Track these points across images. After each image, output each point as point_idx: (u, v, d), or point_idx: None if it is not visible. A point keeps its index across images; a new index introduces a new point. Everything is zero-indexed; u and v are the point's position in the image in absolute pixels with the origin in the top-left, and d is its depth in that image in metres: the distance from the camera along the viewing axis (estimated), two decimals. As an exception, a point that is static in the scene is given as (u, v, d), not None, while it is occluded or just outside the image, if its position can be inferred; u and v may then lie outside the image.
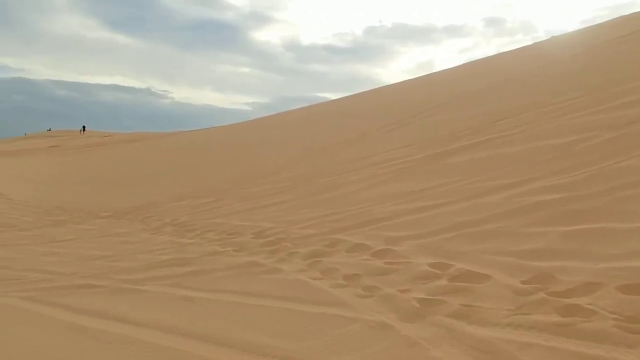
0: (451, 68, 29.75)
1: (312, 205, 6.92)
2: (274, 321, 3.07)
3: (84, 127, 62.93)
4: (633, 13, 19.93)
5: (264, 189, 9.16)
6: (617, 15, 23.69)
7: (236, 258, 4.99)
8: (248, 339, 2.82)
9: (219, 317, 3.28)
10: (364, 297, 3.27)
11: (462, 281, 3.17)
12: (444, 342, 2.45)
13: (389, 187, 6.78)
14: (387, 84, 34.12)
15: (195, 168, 15.71)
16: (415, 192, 6.03)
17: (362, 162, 9.04)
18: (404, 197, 5.95)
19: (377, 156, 9.18)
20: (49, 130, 69.86)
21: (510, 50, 26.69)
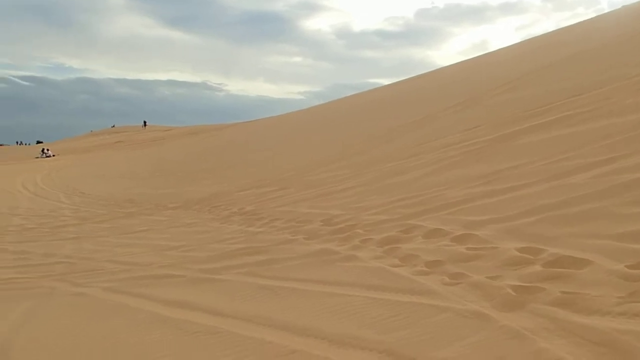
0: (509, 46, 28.58)
1: (381, 191, 6.77)
2: (359, 310, 2.98)
3: (145, 122, 65.16)
4: None
5: (328, 177, 9.08)
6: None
7: (308, 246, 4.94)
8: (336, 329, 2.75)
9: (301, 307, 3.23)
10: (451, 284, 3.12)
11: (560, 267, 2.95)
12: (550, 333, 2.27)
13: (460, 170, 6.53)
14: (441, 67, 33.15)
15: (256, 158, 15.86)
16: (489, 174, 5.77)
17: (428, 146, 8.78)
18: (477, 180, 5.70)
19: (444, 139, 8.90)
20: (113, 126, 72.74)
21: (574, 24, 25.33)
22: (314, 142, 16.21)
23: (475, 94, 12.54)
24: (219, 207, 9.14)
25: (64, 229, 9.45)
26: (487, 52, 31.45)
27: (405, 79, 33.24)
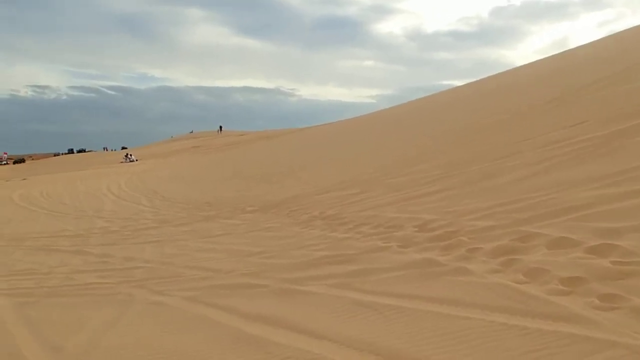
0: (592, 42, 26.48)
1: (477, 194, 6.10)
2: (489, 339, 2.40)
3: (220, 127, 66.89)
4: None
5: (412, 179, 8.47)
6: None
7: (405, 255, 4.38)
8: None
9: (412, 330, 2.70)
10: (605, 309, 2.48)
11: None
12: None
13: (571, 171, 5.74)
14: (521, 65, 31.17)
15: (333, 160, 15.43)
16: (610, 175, 4.97)
17: (524, 145, 7.96)
18: (597, 181, 4.92)
19: (542, 137, 8.05)
20: (191, 132, 75.35)
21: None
22: (391, 143, 15.57)
23: (571, 90, 11.47)
24: (298, 210, 8.76)
25: (144, 232, 9.42)
26: (566, 49, 29.23)
27: (484, 77, 31.63)
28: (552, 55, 28.00)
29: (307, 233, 6.70)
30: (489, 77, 30.18)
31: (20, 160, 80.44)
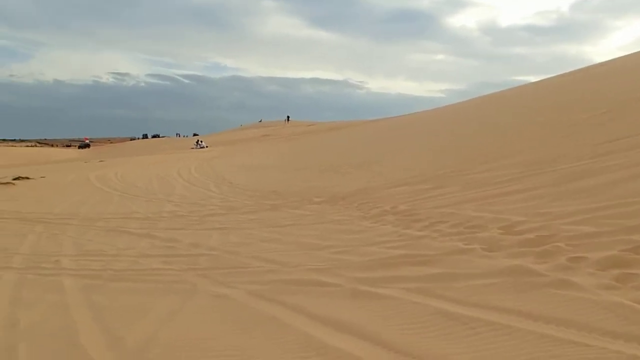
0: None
1: (569, 195, 5.49)
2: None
3: (288, 117, 67.27)
4: None
5: (492, 175, 7.87)
6: None
7: (492, 260, 3.92)
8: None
9: (512, 355, 2.26)
10: None
11: None
12: None
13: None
14: (615, 58, 28.84)
15: (404, 153, 14.89)
16: None
17: (626, 143, 7.19)
18: None
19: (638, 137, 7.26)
20: (260, 121, 76.39)
21: None
22: (466, 137, 14.81)
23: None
24: (367, 203, 8.38)
25: (211, 218, 9.35)
26: None
27: (564, 73, 29.63)
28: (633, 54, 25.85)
29: (378, 228, 6.32)
30: (572, 72, 28.30)
31: (85, 145, 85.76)
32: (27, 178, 19.03)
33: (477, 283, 3.42)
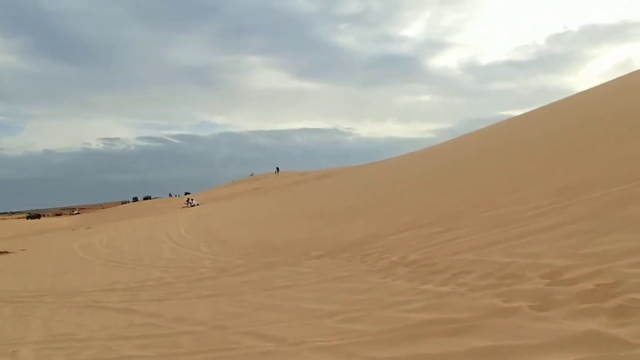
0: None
1: (618, 228, 4.58)
2: None
3: (277, 168, 66.66)
4: None
5: (514, 211, 6.99)
6: None
7: (552, 324, 2.99)
8: None
9: None
10: None
11: None
12: None
13: None
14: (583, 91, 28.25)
15: (403, 195, 14.02)
16: None
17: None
18: None
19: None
20: (252, 174, 75.79)
21: None
22: (471, 172, 13.99)
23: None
24: (372, 254, 7.45)
25: (200, 284, 8.38)
26: (632, 70, 26.45)
27: (569, 96, 28.81)
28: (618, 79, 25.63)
29: (390, 285, 5.38)
30: (575, 95, 27.85)
31: (35, 216, 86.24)
32: (6, 252, 17.98)
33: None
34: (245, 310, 5.78)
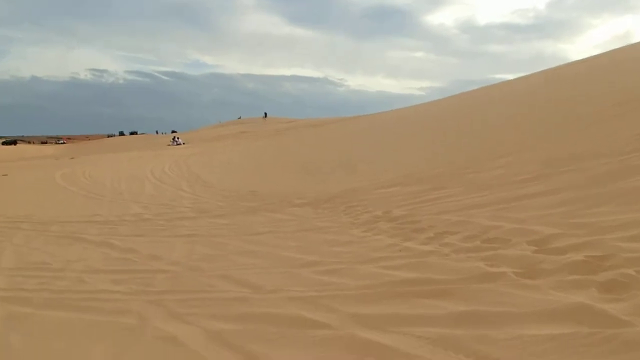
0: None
1: (611, 200, 4.49)
2: None
3: (265, 113, 66.03)
4: None
5: (501, 174, 6.90)
6: None
7: (538, 293, 2.89)
8: None
9: None
10: None
11: None
12: None
13: None
14: (575, 60, 27.74)
15: (394, 151, 13.85)
16: None
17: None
18: None
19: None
20: (239, 118, 74.95)
21: None
22: (457, 133, 13.83)
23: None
24: (356, 207, 7.34)
25: (179, 223, 8.25)
26: (629, 43, 25.95)
27: (563, 64, 28.34)
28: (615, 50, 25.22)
29: (372, 239, 5.27)
30: (569, 63, 27.43)
31: (11, 142, 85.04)
32: (-14, 176, 17.64)
33: (528, 333, 2.39)
34: (222, 253, 5.67)
